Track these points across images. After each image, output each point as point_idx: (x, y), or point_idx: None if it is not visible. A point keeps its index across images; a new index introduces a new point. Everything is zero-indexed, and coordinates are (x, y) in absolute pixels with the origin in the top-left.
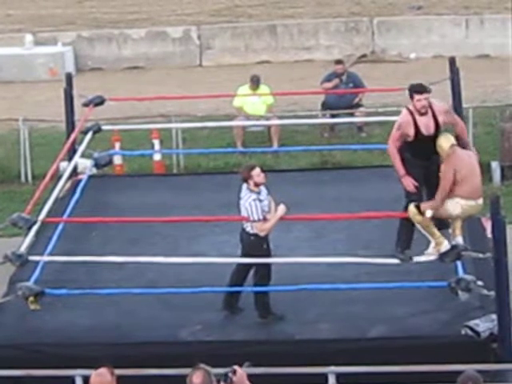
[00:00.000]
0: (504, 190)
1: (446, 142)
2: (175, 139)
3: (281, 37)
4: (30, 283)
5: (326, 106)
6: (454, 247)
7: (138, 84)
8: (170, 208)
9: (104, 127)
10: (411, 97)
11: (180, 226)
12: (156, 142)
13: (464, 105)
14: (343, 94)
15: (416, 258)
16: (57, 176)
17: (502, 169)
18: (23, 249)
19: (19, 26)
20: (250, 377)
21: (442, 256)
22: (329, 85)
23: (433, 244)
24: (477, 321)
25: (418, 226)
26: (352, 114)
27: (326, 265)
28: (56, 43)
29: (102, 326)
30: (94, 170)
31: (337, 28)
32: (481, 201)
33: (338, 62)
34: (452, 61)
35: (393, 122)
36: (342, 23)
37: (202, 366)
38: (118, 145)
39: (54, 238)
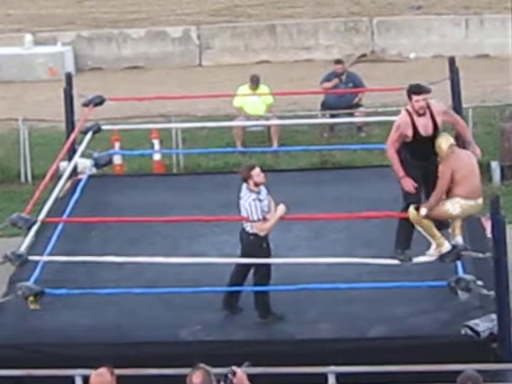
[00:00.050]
0: (504, 189)
1: (444, 142)
2: (175, 139)
3: (280, 37)
4: (30, 283)
5: (325, 105)
6: (453, 247)
7: (137, 84)
8: (169, 208)
9: (104, 127)
10: (409, 98)
11: (180, 226)
12: (156, 142)
13: (464, 105)
14: (343, 93)
15: (416, 259)
16: (57, 176)
17: (502, 169)
18: (23, 249)
19: (19, 26)
20: (250, 377)
21: (442, 256)
22: (328, 85)
23: (434, 245)
24: (477, 321)
25: (419, 228)
26: (352, 114)
27: (325, 264)
28: (56, 43)
29: (102, 325)
30: (94, 170)
31: (336, 28)
32: (480, 200)
33: (338, 61)
34: (452, 61)
35: (392, 122)
36: (341, 23)
37: (202, 365)
38: (117, 145)
39: (54, 237)
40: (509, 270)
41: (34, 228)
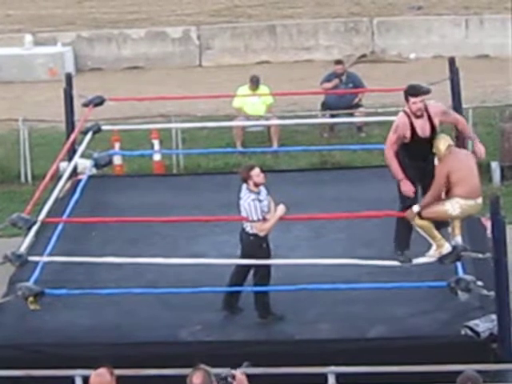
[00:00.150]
0: (504, 190)
1: (442, 143)
2: (175, 139)
3: (280, 37)
4: (30, 283)
5: (325, 106)
6: (453, 248)
7: (137, 84)
8: (169, 208)
9: (104, 127)
10: (406, 100)
11: (180, 226)
12: (156, 142)
13: (464, 105)
14: (343, 94)
15: (416, 260)
16: (57, 176)
17: (502, 169)
18: (23, 249)
19: (19, 26)
20: (250, 377)
21: (442, 258)
22: (328, 85)
23: (434, 247)
24: (476, 321)
25: (419, 229)
26: (352, 114)
27: (325, 265)
28: (56, 43)
29: (101, 326)
30: (94, 170)
31: (336, 28)
32: (480, 200)
33: (338, 62)
34: (452, 61)
35: (392, 123)
36: (341, 23)
37: (202, 366)
38: (117, 145)
39: (54, 238)
40: (509, 270)
41: (34, 228)
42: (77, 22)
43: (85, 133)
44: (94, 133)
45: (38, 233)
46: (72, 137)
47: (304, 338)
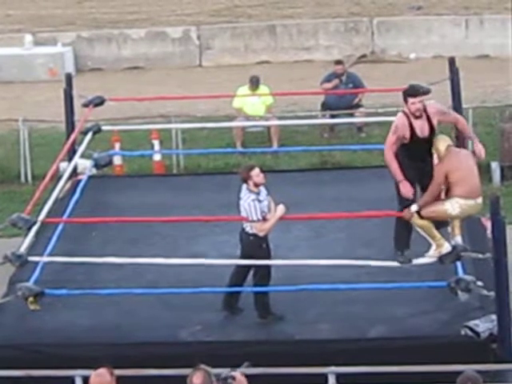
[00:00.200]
0: (504, 190)
1: (442, 144)
2: (175, 139)
3: (280, 37)
4: (30, 283)
5: (325, 106)
6: (453, 248)
7: (137, 84)
8: (169, 208)
9: (104, 127)
10: (405, 100)
11: (180, 226)
12: (156, 143)
13: (464, 105)
14: (343, 94)
15: (416, 261)
16: (57, 176)
17: (502, 169)
18: (23, 249)
19: (19, 26)
20: (250, 377)
21: (442, 258)
22: (328, 85)
23: (434, 247)
24: (476, 321)
25: (419, 229)
26: (352, 115)
27: (325, 265)
28: (56, 43)
29: (101, 326)
30: (94, 171)
31: (336, 28)
32: (480, 200)
33: (338, 62)
34: (452, 61)
35: (392, 123)
36: (341, 23)
37: (203, 366)
38: (117, 145)
39: (54, 238)
40: (509, 270)
41: (34, 228)
42: (77, 21)
43: (85, 133)
44: (94, 133)
45: (38, 233)
46: (72, 137)
47: (304, 337)
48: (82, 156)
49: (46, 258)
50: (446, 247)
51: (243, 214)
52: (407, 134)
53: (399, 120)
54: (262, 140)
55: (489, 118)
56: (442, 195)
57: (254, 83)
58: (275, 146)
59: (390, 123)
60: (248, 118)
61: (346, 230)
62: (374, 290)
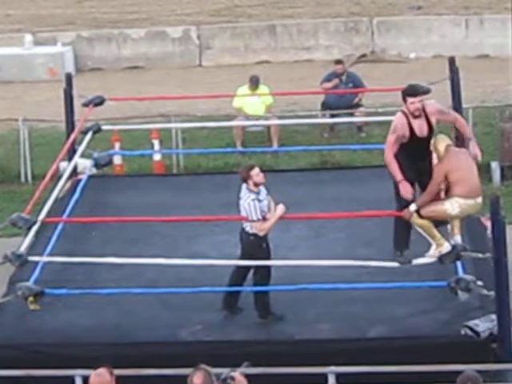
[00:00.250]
0: (504, 190)
1: (441, 144)
2: (175, 139)
3: (280, 37)
4: (30, 283)
5: (325, 106)
6: (453, 248)
7: (137, 84)
8: (169, 208)
9: (104, 127)
10: (404, 100)
11: (180, 226)
12: (156, 142)
13: (464, 105)
14: (343, 94)
15: (416, 261)
16: (57, 176)
17: (502, 169)
18: (23, 249)
19: (19, 26)
20: (250, 377)
21: (442, 257)
22: (328, 85)
23: (434, 246)
24: (476, 321)
25: (419, 229)
26: (352, 114)
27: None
28: (56, 43)
29: (101, 325)
30: (94, 170)
31: (336, 28)
32: (480, 199)
33: (338, 62)
34: (452, 61)
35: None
36: (341, 23)
37: (203, 366)
38: (117, 145)
39: (54, 238)
40: (509, 270)
41: (34, 228)
42: (77, 21)
43: (85, 133)
44: (94, 133)
45: (37, 233)
46: (72, 137)
47: (304, 337)
48: (82, 156)
49: (45, 258)
50: (446, 247)
51: (243, 213)
52: (406, 134)
53: (398, 120)
54: (262, 140)
55: (489, 117)
56: (442, 195)
57: (254, 83)
58: (275, 146)
59: (390, 123)
60: (248, 117)
61: (345, 229)
62: (374, 289)
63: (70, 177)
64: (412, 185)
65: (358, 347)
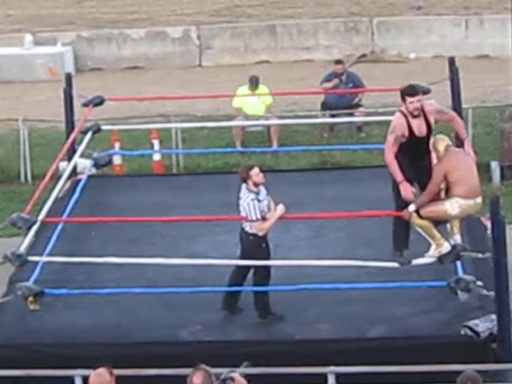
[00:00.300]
0: (504, 190)
1: (441, 144)
2: (175, 139)
3: (280, 37)
4: (30, 283)
5: (325, 106)
6: (453, 248)
7: (137, 84)
8: (169, 208)
9: (103, 127)
10: (403, 100)
11: (180, 226)
12: (155, 142)
13: (464, 105)
14: (343, 94)
15: (416, 261)
16: (56, 176)
17: (502, 169)
18: (23, 249)
19: (19, 26)
20: (250, 377)
21: (442, 258)
22: (328, 85)
23: (433, 246)
24: (476, 321)
25: (419, 229)
26: (352, 114)
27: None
28: (55, 43)
29: (101, 326)
30: (94, 170)
31: (336, 28)
32: (479, 199)
33: (338, 62)
34: (452, 61)
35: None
36: (341, 23)
37: (203, 366)
38: (117, 145)
39: (54, 238)
40: (509, 270)
41: (34, 228)
42: (77, 21)
43: (85, 133)
44: (94, 133)
45: (37, 233)
46: (72, 137)
47: (304, 337)
48: (82, 156)
49: (45, 258)
50: (446, 247)
51: (242, 213)
52: (405, 134)
53: (397, 120)
54: (262, 140)
55: (489, 117)
56: (442, 195)
57: (254, 83)
58: (275, 146)
59: (389, 123)
60: (248, 117)
61: (345, 229)
62: (373, 289)
63: (70, 177)
64: (411, 185)
65: (358, 347)
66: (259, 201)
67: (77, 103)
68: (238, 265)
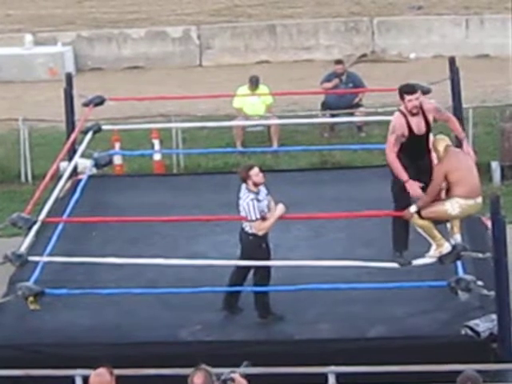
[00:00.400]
0: (504, 189)
1: (441, 144)
2: (175, 139)
3: (280, 37)
4: (30, 283)
5: (325, 105)
6: (453, 248)
7: (137, 84)
8: (169, 208)
9: (104, 127)
10: (401, 98)
11: (180, 226)
12: (156, 142)
13: (464, 105)
14: (343, 93)
15: (416, 261)
16: (57, 176)
17: (502, 169)
18: (23, 249)
19: (19, 26)
20: (250, 377)
21: (442, 258)
22: (329, 85)
23: (434, 247)
24: (477, 321)
25: (419, 230)
26: (352, 114)
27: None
28: (56, 43)
29: (102, 326)
30: (94, 170)
31: (336, 28)
32: (480, 199)
33: (338, 61)
34: (452, 61)
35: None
36: (341, 23)
37: (203, 366)
38: (117, 145)
39: (54, 238)
40: (509, 270)
41: (34, 228)
42: (77, 21)
43: (85, 132)
44: (95, 132)
45: (38, 233)
46: (72, 136)
47: (304, 337)
48: (82, 155)
49: (46, 258)
50: (447, 247)
51: (242, 213)
52: (405, 133)
53: (396, 120)
54: (262, 140)
55: (489, 117)
56: (443, 195)
57: (254, 83)
58: (275, 146)
59: (389, 123)
60: (248, 117)
61: (345, 229)
62: (373, 289)
63: (70, 177)
64: None
65: (358, 347)
66: (259, 201)
67: (77, 103)
68: (238, 265)
